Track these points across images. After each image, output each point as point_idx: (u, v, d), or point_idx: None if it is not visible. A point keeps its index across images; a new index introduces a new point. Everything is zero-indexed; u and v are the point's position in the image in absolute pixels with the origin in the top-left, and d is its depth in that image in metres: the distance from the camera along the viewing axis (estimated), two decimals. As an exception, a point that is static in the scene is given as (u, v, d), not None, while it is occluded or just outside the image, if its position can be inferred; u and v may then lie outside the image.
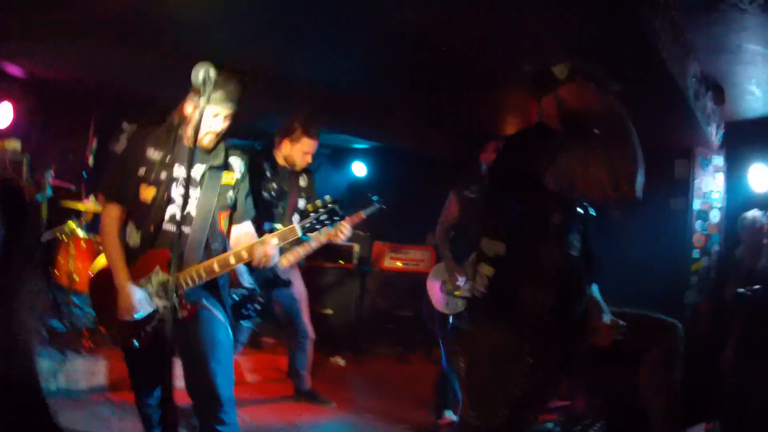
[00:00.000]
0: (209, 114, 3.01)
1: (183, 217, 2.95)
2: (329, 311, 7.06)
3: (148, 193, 3.07)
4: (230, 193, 3.23)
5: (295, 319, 4.97)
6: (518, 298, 2.51)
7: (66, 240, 5.72)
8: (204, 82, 2.69)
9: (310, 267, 4.86)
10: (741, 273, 5.55)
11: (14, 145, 5.46)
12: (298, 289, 4.94)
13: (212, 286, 3.14)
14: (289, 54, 5.34)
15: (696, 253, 6.22)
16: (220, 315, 3.13)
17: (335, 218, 3.07)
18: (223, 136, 3.18)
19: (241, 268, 4.33)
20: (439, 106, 6.59)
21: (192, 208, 3.09)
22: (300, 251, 4.75)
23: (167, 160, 3.10)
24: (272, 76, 5.99)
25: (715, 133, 5.95)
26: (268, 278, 4.58)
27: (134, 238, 3.10)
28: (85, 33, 5.09)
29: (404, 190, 7.86)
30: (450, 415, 5.03)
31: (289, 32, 4.79)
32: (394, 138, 8.09)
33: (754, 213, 5.40)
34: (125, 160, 3.21)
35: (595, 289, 2.87)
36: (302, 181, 4.92)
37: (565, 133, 2.60)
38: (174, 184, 3.09)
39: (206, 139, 3.09)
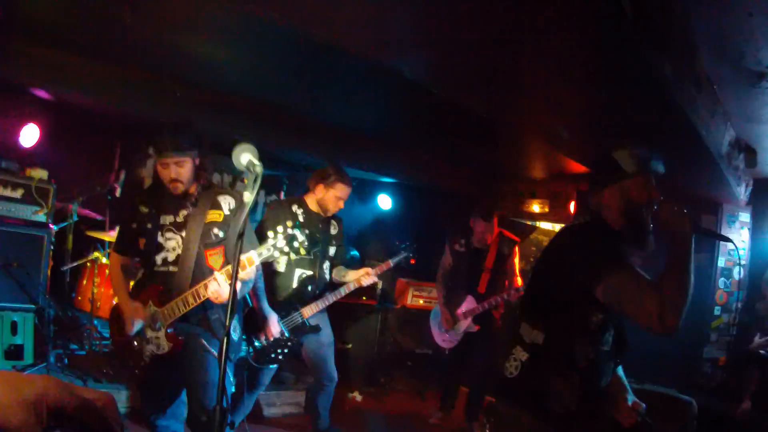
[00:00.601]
0: (160, 167, 3.37)
1: (172, 258, 3.44)
2: (349, 346, 7.07)
3: (141, 242, 3.53)
4: (215, 230, 3.47)
5: (322, 364, 4.98)
6: (547, 387, 2.55)
7: (90, 267, 5.83)
8: (248, 168, 2.65)
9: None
10: (764, 328, 5.60)
11: (41, 173, 5.50)
12: (327, 334, 4.95)
13: (209, 326, 3.40)
14: (317, 98, 5.48)
15: (717, 310, 6.23)
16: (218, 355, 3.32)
17: (295, 243, 3.26)
18: (192, 180, 3.43)
19: (274, 316, 4.41)
20: (460, 149, 6.72)
21: (180, 250, 3.43)
22: (330, 297, 4.79)
23: (152, 213, 3.49)
24: (297, 116, 6.14)
25: (743, 191, 5.98)
26: (298, 324, 4.63)
27: (139, 278, 3.60)
28: (113, 62, 5.21)
29: (429, 224, 7.92)
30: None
31: (317, 80, 4.94)
32: (416, 176, 8.16)
33: None
34: (125, 217, 3.67)
35: (619, 368, 2.91)
36: (333, 229, 4.96)
37: (624, 230, 2.60)
38: (159, 232, 3.47)
39: (171, 187, 3.38)
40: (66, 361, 5.36)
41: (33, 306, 5.18)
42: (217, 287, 3.22)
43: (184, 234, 3.42)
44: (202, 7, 3.76)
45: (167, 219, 3.47)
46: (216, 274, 3.24)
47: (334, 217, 4.98)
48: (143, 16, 3.93)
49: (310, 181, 4.90)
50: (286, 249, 3.23)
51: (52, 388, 0.83)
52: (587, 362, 2.55)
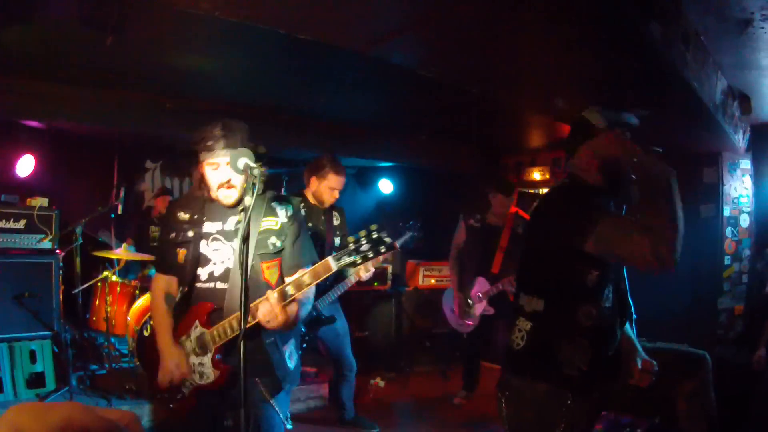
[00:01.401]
0: (209, 169, 2.88)
1: (220, 272, 2.95)
2: (366, 333, 7.08)
3: (181, 255, 3.02)
4: (272, 240, 2.98)
5: (340, 353, 5.06)
6: (556, 352, 2.56)
7: (101, 286, 5.85)
8: (246, 172, 2.56)
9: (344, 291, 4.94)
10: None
11: (42, 201, 5.50)
12: (341, 324, 5.03)
13: (264, 356, 2.95)
14: (310, 95, 5.47)
15: (728, 260, 6.22)
16: (275, 404, 2.95)
17: (382, 248, 2.60)
18: (243, 185, 2.87)
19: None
20: (458, 127, 6.72)
21: (230, 263, 2.95)
22: (341, 288, 4.84)
23: (195, 219, 3.02)
24: (292, 115, 6.13)
25: (742, 138, 5.96)
26: (313, 317, 4.66)
27: (178, 297, 3.08)
28: (106, 82, 5.20)
29: (432, 204, 7.90)
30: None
31: (308, 77, 4.94)
32: (417, 159, 8.15)
33: None
34: (163, 229, 3.20)
35: (628, 328, 2.91)
36: (335, 220, 5.01)
37: (604, 186, 2.62)
38: (204, 242, 2.99)
39: (221, 193, 2.91)
40: (88, 382, 5.40)
41: (49, 332, 5.18)
42: (269, 309, 2.70)
43: (235, 244, 2.92)
44: (188, 23, 3.72)
45: (214, 227, 3.00)
46: (268, 293, 2.73)
47: (335, 207, 5.02)
48: (130, 37, 3.92)
49: (304, 175, 4.93)
50: (371, 255, 2.60)
51: (76, 413, 0.84)
52: (591, 321, 2.55)
